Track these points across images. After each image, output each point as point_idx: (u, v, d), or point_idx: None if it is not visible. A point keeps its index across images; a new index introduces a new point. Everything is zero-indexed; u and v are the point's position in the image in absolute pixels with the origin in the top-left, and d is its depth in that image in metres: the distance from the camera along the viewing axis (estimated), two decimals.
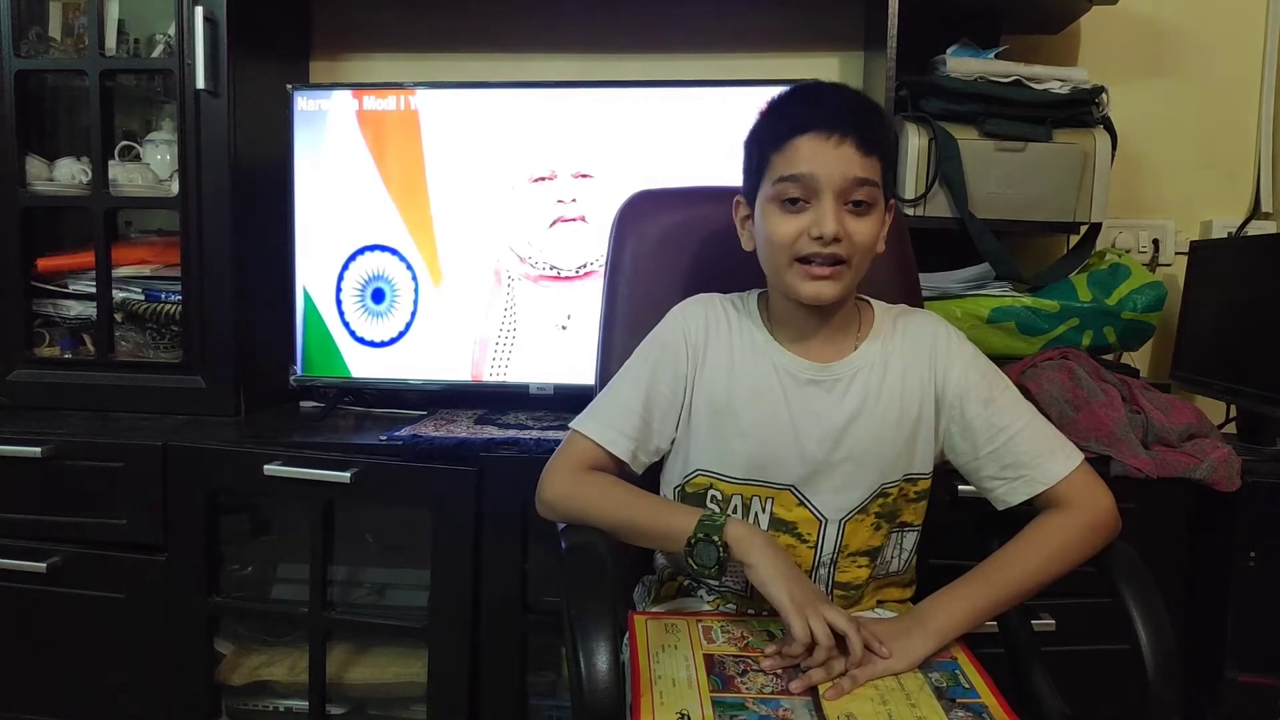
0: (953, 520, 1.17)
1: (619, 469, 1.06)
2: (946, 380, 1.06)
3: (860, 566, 1.06)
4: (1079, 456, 1.03)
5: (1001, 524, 1.10)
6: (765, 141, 1.01)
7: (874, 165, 0.98)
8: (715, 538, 0.94)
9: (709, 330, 1.08)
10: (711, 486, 1.07)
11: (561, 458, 1.07)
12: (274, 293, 1.81)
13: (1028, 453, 1.02)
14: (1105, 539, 1.00)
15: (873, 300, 1.11)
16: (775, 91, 1.06)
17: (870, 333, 1.07)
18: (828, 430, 1.03)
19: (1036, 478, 1.01)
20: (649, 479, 1.11)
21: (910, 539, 1.10)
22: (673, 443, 1.09)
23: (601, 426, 1.06)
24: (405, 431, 1.59)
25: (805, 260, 0.98)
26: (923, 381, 1.06)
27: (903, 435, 1.05)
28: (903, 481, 1.06)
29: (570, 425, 1.09)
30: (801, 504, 1.04)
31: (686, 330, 1.08)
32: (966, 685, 0.92)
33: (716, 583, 1.08)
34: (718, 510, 0.98)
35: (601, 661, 0.83)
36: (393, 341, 1.80)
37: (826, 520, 1.04)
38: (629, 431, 1.06)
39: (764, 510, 1.05)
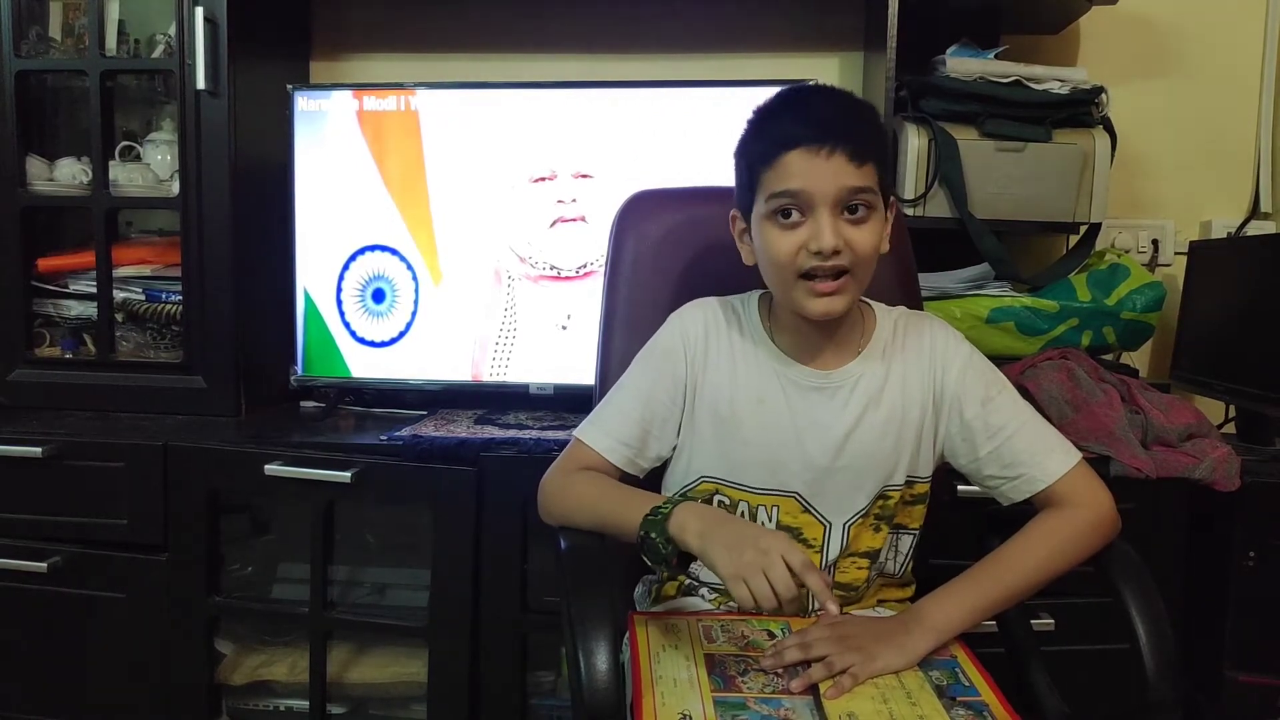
0: (953, 520, 1.17)
1: (619, 476, 1.06)
2: (945, 382, 1.06)
3: (860, 568, 1.07)
4: (1077, 456, 1.03)
5: (1001, 524, 1.10)
6: (754, 158, 0.99)
7: (868, 172, 0.96)
8: (654, 535, 0.91)
9: (709, 336, 1.08)
10: (718, 492, 1.07)
11: (559, 463, 1.08)
12: (274, 293, 1.81)
13: (1026, 451, 1.02)
14: (1104, 538, 1.00)
15: (874, 303, 1.11)
16: (775, 92, 1.05)
17: (872, 339, 1.07)
18: (831, 438, 1.04)
19: (1035, 476, 1.01)
20: (651, 484, 1.11)
21: (906, 542, 1.11)
22: (674, 449, 1.09)
23: (599, 434, 1.07)
24: (405, 431, 1.59)
25: (808, 275, 0.97)
26: (922, 386, 1.06)
27: (905, 440, 1.05)
28: (903, 485, 1.06)
29: (573, 433, 1.09)
30: (806, 510, 1.05)
31: (685, 337, 1.08)
32: (967, 683, 0.93)
33: (683, 577, 1.08)
34: (668, 502, 0.94)
35: (601, 661, 0.83)
36: (393, 341, 1.80)
37: (831, 525, 1.05)
38: (626, 439, 1.06)
39: (770, 519, 1.05)
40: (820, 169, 0.94)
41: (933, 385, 1.06)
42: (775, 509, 1.05)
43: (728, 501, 1.06)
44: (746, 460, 1.05)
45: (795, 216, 0.96)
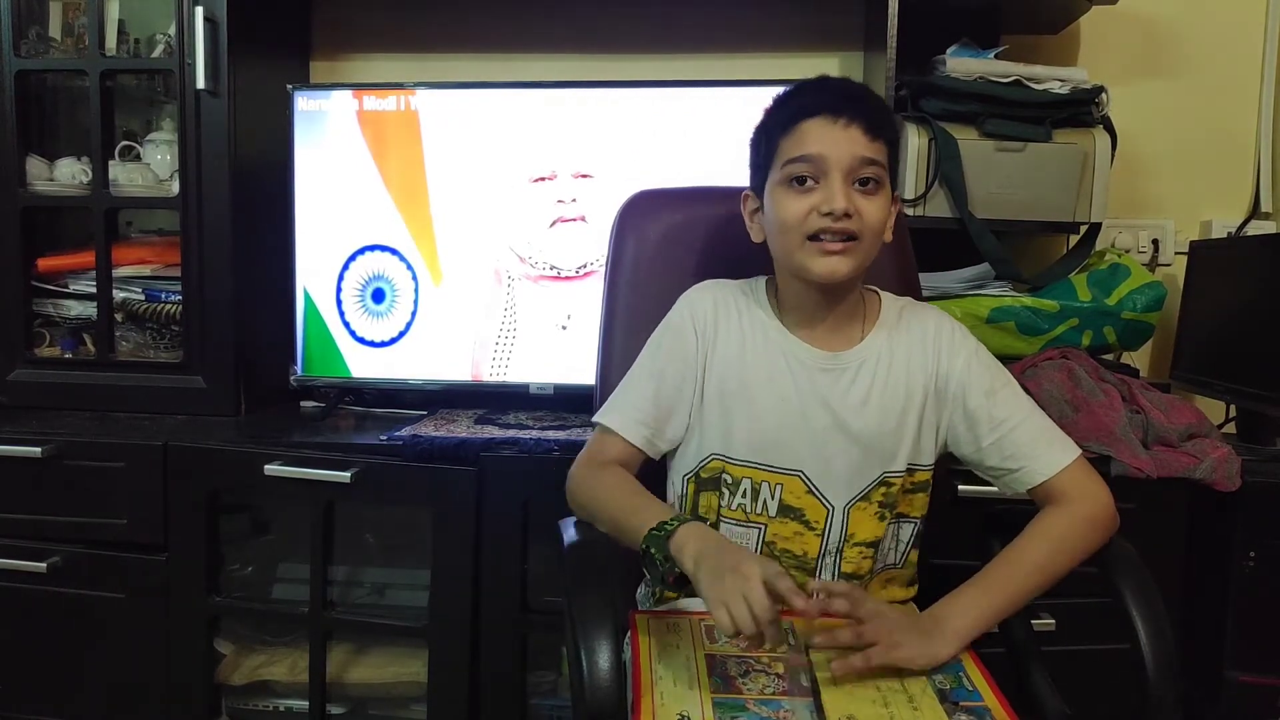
0: (953, 520, 1.17)
1: (639, 457, 1.08)
2: (950, 373, 1.07)
3: (865, 557, 1.07)
4: (1077, 451, 1.04)
5: (1001, 524, 1.10)
6: (773, 129, 1.04)
7: (880, 148, 1.00)
8: (654, 551, 0.92)
9: (718, 315, 1.10)
10: (724, 470, 1.07)
11: (585, 451, 1.10)
12: (274, 293, 1.81)
13: (1028, 444, 1.03)
14: (1104, 533, 1.01)
15: (880, 291, 1.13)
16: (775, 91, 1.07)
17: (877, 322, 1.09)
18: (835, 417, 1.05)
19: (1035, 469, 1.02)
20: (660, 473, 1.13)
21: (908, 530, 1.11)
22: (687, 429, 1.10)
23: (617, 415, 1.09)
24: (405, 431, 1.59)
25: (816, 238, 1.00)
26: (926, 373, 1.07)
27: (907, 424, 1.06)
28: (904, 473, 1.07)
29: (593, 418, 1.11)
30: (810, 491, 1.05)
31: (695, 316, 1.10)
32: (970, 688, 0.92)
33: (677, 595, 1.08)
34: (675, 519, 0.94)
35: (603, 660, 0.83)
36: (393, 341, 1.80)
37: (833, 507, 1.05)
38: (643, 419, 1.08)
39: (773, 496, 1.06)
40: (837, 136, 0.98)
41: (936, 372, 1.08)
42: (779, 487, 1.06)
43: (731, 479, 1.07)
44: (752, 436, 1.06)
45: (809, 183, 0.99)
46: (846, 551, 1.06)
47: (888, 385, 1.06)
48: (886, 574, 1.11)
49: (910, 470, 1.08)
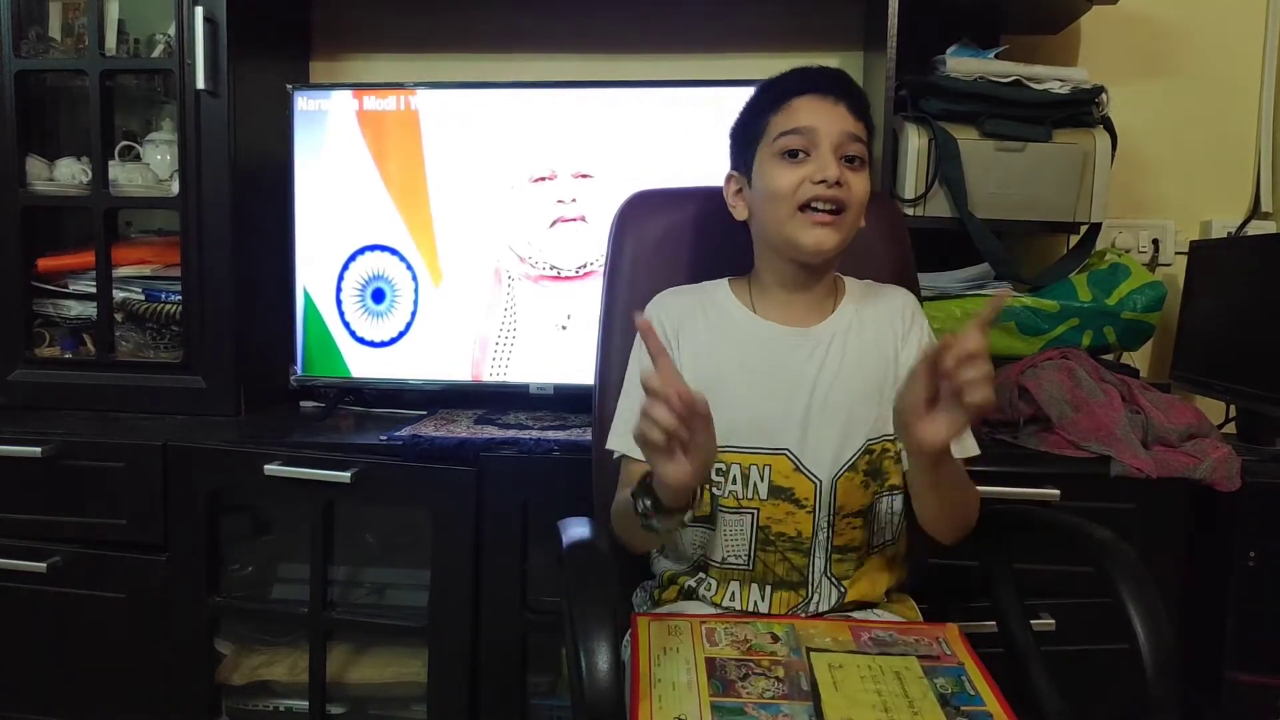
0: None
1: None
2: (903, 349, 1.12)
3: (855, 528, 1.09)
4: (976, 450, 1.09)
5: (1001, 524, 1.10)
6: (763, 107, 1.09)
7: (863, 129, 1.07)
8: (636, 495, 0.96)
9: (683, 318, 1.13)
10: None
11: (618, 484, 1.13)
12: (274, 293, 1.81)
13: None
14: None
15: (845, 276, 1.17)
16: None
17: (844, 299, 1.14)
18: (813, 391, 1.08)
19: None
20: None
21: (900, 502, 1.13)
22: None
23: (618, 436, 1.12)
24: (405, 431, 1.59)
25: (806, 208, 1.03)
26: (894, 342, 1.12)
27: (885, 390, 1.09)
28: (885, 440, 1.09)
29: (606, 446, 1.13)
30: (797, 469, 1.07)
31: (662, 326, 1.13)
32: (972, 692, 0.92)
33: (683, 578, 1.10)
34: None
35: (602, 660, 0.83)
36: (393, 341, 1.80)
37: (821, 482, 1.07)
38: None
39: (763, 478, 1.07)
40: (828, 111, 1.05)
41: (894, 347, 1.11)
42: (768, 468, 1.07)
43: (723, 466, 1.08)
44: (735, 420, 1.07)
45: (800, 156, 1.05)
46: (838, 524, 1.08)
47: (860, 354, 1.10)
48: (886, 552, 1.13)
49: (892, 438, 1.09)
